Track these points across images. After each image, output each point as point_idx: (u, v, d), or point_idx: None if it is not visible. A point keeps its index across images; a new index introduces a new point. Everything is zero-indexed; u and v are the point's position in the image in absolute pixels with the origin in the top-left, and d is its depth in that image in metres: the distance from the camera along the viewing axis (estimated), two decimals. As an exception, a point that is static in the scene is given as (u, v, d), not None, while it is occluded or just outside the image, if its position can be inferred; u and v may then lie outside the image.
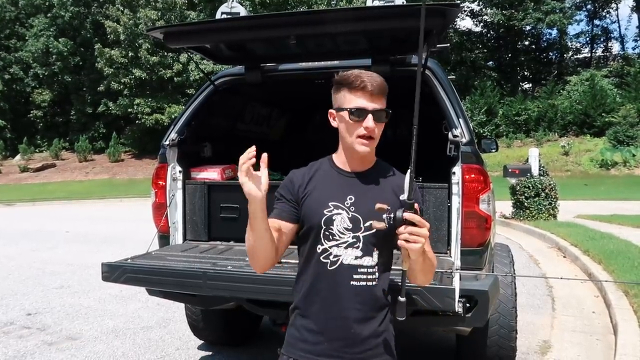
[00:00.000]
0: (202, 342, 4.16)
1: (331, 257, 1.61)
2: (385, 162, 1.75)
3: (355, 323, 1.61)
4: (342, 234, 1.61)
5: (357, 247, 1.60)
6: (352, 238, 1.60)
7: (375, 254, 1.61)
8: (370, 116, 1.57)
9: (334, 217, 1.61)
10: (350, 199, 1.62)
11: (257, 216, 1.49)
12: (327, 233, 1.61)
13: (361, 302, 1.61)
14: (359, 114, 1.58)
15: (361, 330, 1.62)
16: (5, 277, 6.78)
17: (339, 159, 1.70)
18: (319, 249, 1.62)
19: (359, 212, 1.61)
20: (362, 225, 1.61)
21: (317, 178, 1.68)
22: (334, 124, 1.67)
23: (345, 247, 1.60)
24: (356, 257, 1.60)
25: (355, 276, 1.60)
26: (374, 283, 1.62)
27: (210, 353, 4.00)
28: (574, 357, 3.80)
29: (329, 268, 1.59)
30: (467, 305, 2.37)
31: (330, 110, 1.67)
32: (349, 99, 1.59)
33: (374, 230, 1.58)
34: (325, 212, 1.61)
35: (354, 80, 1.58)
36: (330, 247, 1.61)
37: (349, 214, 1.61)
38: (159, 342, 4.25)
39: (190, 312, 3.88)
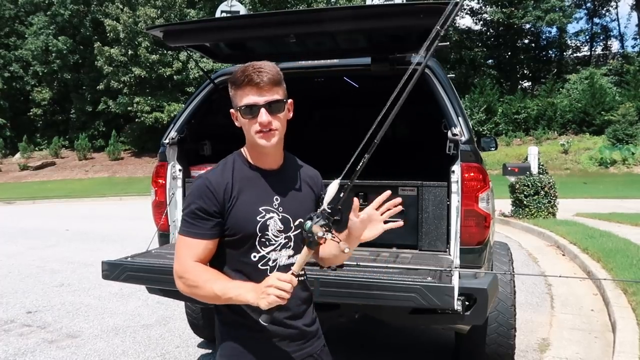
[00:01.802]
0: (202, 340, 4.17)
1: (270, 263, 1.57)
2: (292, 154, 1.72)
3: (296, 316, 1.61)
4: (276, 237, 1.58)
5: (289, 247, 1.60)
6: (285, 239, 1.59)
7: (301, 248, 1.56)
8: (262, 110, 1.50)
9: (267, 222, 1.56)
10: (277, 199, 1.59)
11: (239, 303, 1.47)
12: (262, 240, 1.56)
13: (300, 298, 1.62)
14: (249, 110, 1.51)
15: (305, 323, 1.64)
16: (5, 275, 6.78)
17: (251, 156, 1.61)
18: (254, 257, 1.56)
19: (287, 212, 1.59)
20: (292, 225, 1.60)
21: (238, 182, 1.57)
22: (237, 124, 1.59)
23: (280, 249, 1.59)
24: (289, 256, 1.60)
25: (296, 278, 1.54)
26: (305, 277, 1.64)
27: (210, 351, 4.01)
28: (573, 354, 3.81)
29: (269, 274, 1.50)
30: (466, 303, 2.39)
31: (231, 110, 1.60)
32: (239, 97, 1.53)
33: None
34: (258, 218, 1.55)
35: (239, 76, 1.51)
36: (267, 252, 1.57)
37: (279, 216, 1.58)
38: (159, 340, 4.26)
39: (190, 310, 3.89)
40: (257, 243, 1.56)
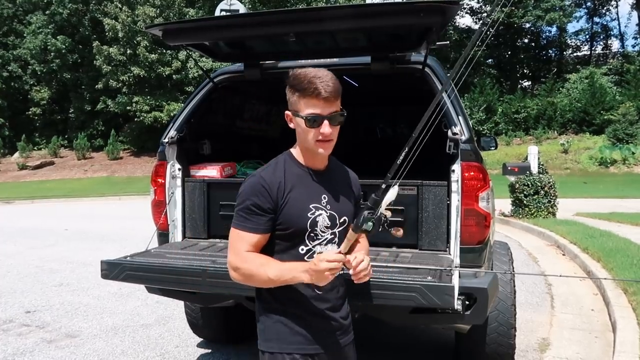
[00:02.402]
0: (201, 339, 4.16)
1: (315, 255, 1.66)
2: (333, 156, 1.81)
3: (336, 306, 1.77)
4: (324, 232, 1.71)
5: (335, 242, 1.74)
6: (331, 234, 1.73)
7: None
8: (326, 122, 1.60)
9: (317, 219, 1.69)
10: (324, 197, 1.71)
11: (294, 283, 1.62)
12: (311, 234, 1.69)
13: (339, 291, 1.79)
14: (314, 120, 1.60)
15: (342, 316, 1.79)
16: (4, 274, 6.77)
17: (301, 157, 1.72)
18: (302, 249, 1.70)
19: (334, 209, 1.73)
20: (338, 222, 1.74)
21: (290, 180, 1.68)
22: (291, 125, 1.68)
23: (326, 244, 1.72)
24: None
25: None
26: (344, 270, 1.71)
27: (209, 351, 4.00)
28: (573, 354, 3.81)
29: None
30: (467, 302, 2.38)
31: (287, 112, 1.68)
32: (304, 105, 1.60)
33: (346, 224, 1.74)
34: (309, 215, 1.68)
35: (307, 87, 1.58)
36: (314, 246, 1.70)
37: (327, 213, 1.71)
38: (158, 339, 4.26)
39: (190, 310, 3.88)
40: (306, 237, 1.69)
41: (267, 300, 1.72)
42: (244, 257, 1.63)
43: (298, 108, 1.62)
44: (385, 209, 1.57)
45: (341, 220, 1.74)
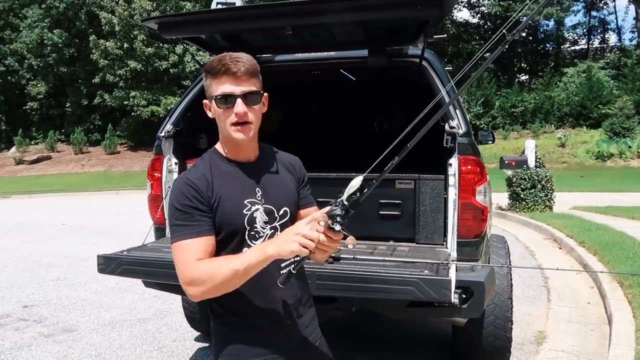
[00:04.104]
0: (199, 333, 4.17)
1: None
2: (269, 145, 1.70)
3: (294, 308, 1.61)
4: (263, 228, 1.56)
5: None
6: (271, 229, 1.57)
7: None
8: (239, 100, 1.47)
9: (254, 215, 1.54)
10: (259, 191, 1.57)
11: (266, 264, 1.39)
12: (252, 232, 1.54)
13: (296, 288, 1.62)
14: (226, 100, 1.48)
15: (301, 312, 1.64)
16: (1, 269, 6.77)
17: (226, 150, 1.58)
18: (245, 251, 1.51)
19: (270, 203, 1.58)
20: (276, 215, 1.59)
21: (218, 177, 1.53)
22: (210, 115, 1.56)
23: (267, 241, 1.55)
24: None
25: (282, 265, 1.55)
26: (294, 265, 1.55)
27: (207, 344, 4.01)
28: (569, 347, 3.83)
29: None
30: (463, 296, 2.38)
31: (204, 101, 1.57)
32: (215, 86, 1.49)
33: (287, 218, 1.60)
34: (245, 211, 1.53)
35: (216, 65, 1.48)
36: (252, 245, 1.55)
37: (263, 207, 1.56)
38: (155, 333, 4.26)
39: (187, 304, 3.88)
40: (246, 237, 1.54)
41: (220, 314, 1.57)
42: (196, 266, 1.42)
43: (210, 91, 1.52)
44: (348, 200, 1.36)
45: (281, 212, 1.59)
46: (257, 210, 1.55)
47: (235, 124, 1.49)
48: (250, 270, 1.39)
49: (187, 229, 1.46)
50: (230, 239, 1.53)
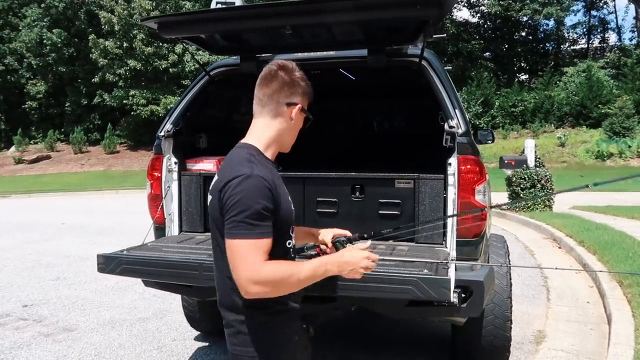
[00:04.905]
0: (198, 333, 4.17)
1: (292, 247, 1.72)
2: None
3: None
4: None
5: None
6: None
7: None
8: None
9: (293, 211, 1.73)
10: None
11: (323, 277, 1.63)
12: (292, 227, 1.72)
13: None
14: (308, 120, 1.76)
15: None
16: (1, 268, 6.77)
17: (271, 152, 1.69)
18: (289, 243, 1.68)
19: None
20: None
21: (275, 175, 1.63)
22: (292, 118, 1.68)
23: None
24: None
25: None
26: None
27: (206, 344, 4.01)
28: (569, 346, 3.83)
29: (292, 255, 1.73)
30: (463, 295, 2.38)
31: (301, 105, 1.69)
32: (306, 106, 1.72)
33: None
34: (292, 208, 1.69)
35: (311, 91, 1.72)
36: (292, 238, 1.73)
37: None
38: (155, 333, 4.26)
39: (187, 304, 3.88)
40: (290, 231, 1.69)
41: (263, 307, 1.59)
42: (267, 267, 1.49)
43: (306, 106, 1.71)
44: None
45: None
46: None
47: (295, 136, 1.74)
48: (314, 280, 1.58)
49: (259, 228, 1.50)
50: (284, 235, 1.63)
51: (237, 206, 1.49)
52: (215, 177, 1.64)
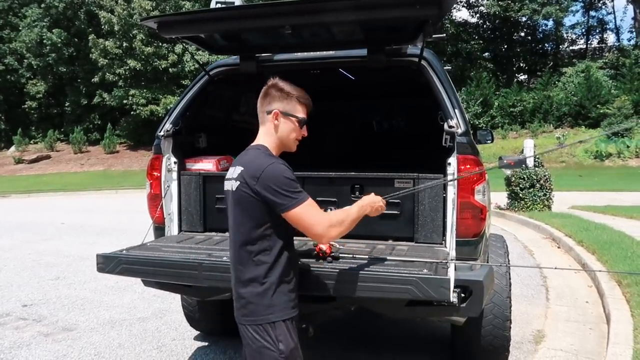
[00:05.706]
0: (198, 332, 4.17)
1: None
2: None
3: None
4: None
5: None
6: None
7: None
8: (305, 126, 2.09)
9: None
10: None
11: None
12: None
13: (297, 256, 2.24)
14: (303, 123, 2.08)
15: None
16: (0, 268, 6.76)
17: (276, 151, 2.06)
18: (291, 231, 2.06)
19: None
20: None
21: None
22: (275, 122, 2.04)
23: None
24: None
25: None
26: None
27: (206, 343, 4.02)
28: (568, 346, 3.84)
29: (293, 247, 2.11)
30: (462, 295, 2.38)
31: (277, 110, 2.03)
32: (299, 110, 2.06)
33: None
34: None
35: (303, 95, 2.07)
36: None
37: None
38: (155, 332, 4.26)
39: (187, 303, 3.88)
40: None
41: (276, 283, 1.95)
42: (331, 214, 2.02)
43: (294, 110, 2.04)
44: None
45: None
46: None
47: (297, 140, 2.10)
48: (360, 218, 2.08)
49: (302, 194, 1.92)
50: (288, 225, 2.00)
51: (279, 185, 1.88)
52: (237, 168, 1.99)
